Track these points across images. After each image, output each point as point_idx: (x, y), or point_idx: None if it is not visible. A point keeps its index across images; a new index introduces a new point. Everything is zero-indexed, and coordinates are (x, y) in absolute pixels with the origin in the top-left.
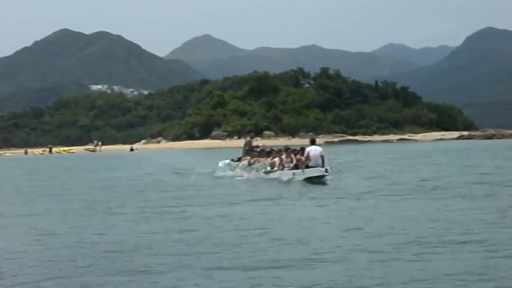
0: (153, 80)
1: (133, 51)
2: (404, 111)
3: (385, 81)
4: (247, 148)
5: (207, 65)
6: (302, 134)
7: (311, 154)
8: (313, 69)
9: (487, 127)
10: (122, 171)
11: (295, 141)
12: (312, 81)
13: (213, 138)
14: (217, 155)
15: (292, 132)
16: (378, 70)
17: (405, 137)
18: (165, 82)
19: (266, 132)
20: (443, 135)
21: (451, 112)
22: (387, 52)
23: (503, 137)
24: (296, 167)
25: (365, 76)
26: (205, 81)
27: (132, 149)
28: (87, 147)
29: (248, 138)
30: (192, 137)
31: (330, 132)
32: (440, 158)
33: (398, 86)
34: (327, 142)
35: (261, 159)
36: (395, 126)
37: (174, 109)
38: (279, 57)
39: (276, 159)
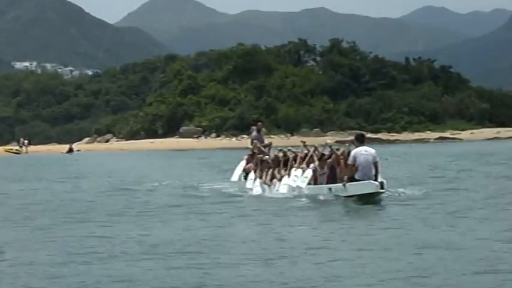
0: (100, 56)
1: (72, 15)
2: (445, 99)
3: (419, 58)
4: (255, 150)
5: (174, 34)
6: (304, 130)
7: (360, 160)
8: (321, 41)
9: None
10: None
11: (293, 141)
12: (318, 58)
13: (182, 135)
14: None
15: (291, 129)
16: (409, 43)
17: (446, 135)
18: (116, 58)
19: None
20: (498, 132)
21: (509, 101)
22: (422, 18)
23: None
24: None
25: (391, 51)
26: (171, 57)
27: (71, 150)
28: (8, 147)
29: (254, 133)
30: (153, 134)
31: (342, 128)
32: None
33: (436, 64)
34: (338, 141)
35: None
36: (433, 120)
37: (128, 96)
38: (273, 24)
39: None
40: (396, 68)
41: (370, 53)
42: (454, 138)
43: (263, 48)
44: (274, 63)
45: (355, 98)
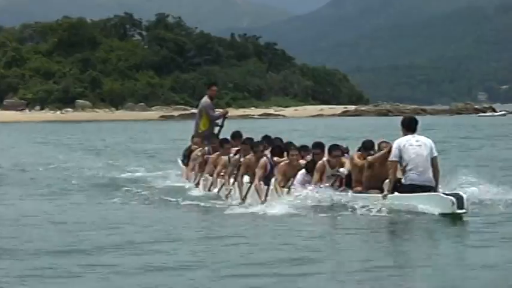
0: None
1: None
2: (269, 76)
3: (244, 34)
4: (202, 126)
5: None
6: (129, 105)
7: (409, 154)
8: (147, 15)
9: (381, 100)
10: None
11: (119, 115)
12: (144, 33)
13: (6, 108)
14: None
15: (116, 103)
16: (234, 19)
17: (270, 111)
18: None
19: (80, 102)
20: (321, 110)
21: (332, 79)
22: None
23: (401, 113)
24: (349, 185)
25: (217, 27)
26: None
27: None
28: None
29: (205, 99)
30: None
31: (167, 102)
32: None
33: (261, 41)
34: (163, 116)
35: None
36: (257, 96)
37: None
38: None
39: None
40: (221, 44)
41: (196, 28)
42: (278, 115)
43: (88, 21)
44: (99, 36)
45: (180, 73)
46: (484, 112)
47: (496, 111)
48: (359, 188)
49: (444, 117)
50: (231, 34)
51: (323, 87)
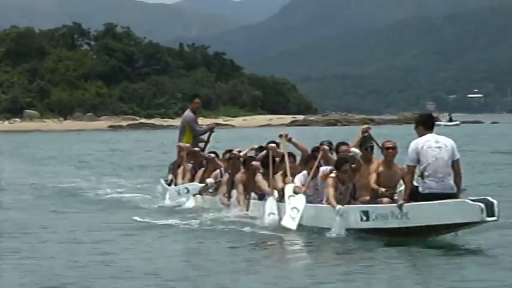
0: None
1: None
2: (218, 86)
3: (193, 44)
4: (185, 142)
5: None
6: (78, 114)
7: (427, 158)
8: (95, 25)
9: (329, 110)
10: None
11: (67, 125)
12: (92, 42)
13: None
14: None
15: (64, 112)
16: (183, 29)
17: (219, 121)
18: None
19: (28, 112)
20: (270, 119)
21: (281, 88)
22: (196, 4)
23: (349, 123)
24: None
25: (165, 37)
26: None
27: None
28: None
29: (187, 113)
30: None
31: (116, 112)
32: None
33: (210, 51)
34: (111, 126)
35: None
36: (206, 106)
37: None
38: (46, 7)
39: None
40: (170, 53)
41: (145, 38)
42: (226, 125)
43: (37, 31)
44: (48, 46)
45: (129, 83)
46: (438, 121)
47: (452, 121)
48: (366, 198)
49: (392, 126)
50: (180, 44)
51: (272, 97)
